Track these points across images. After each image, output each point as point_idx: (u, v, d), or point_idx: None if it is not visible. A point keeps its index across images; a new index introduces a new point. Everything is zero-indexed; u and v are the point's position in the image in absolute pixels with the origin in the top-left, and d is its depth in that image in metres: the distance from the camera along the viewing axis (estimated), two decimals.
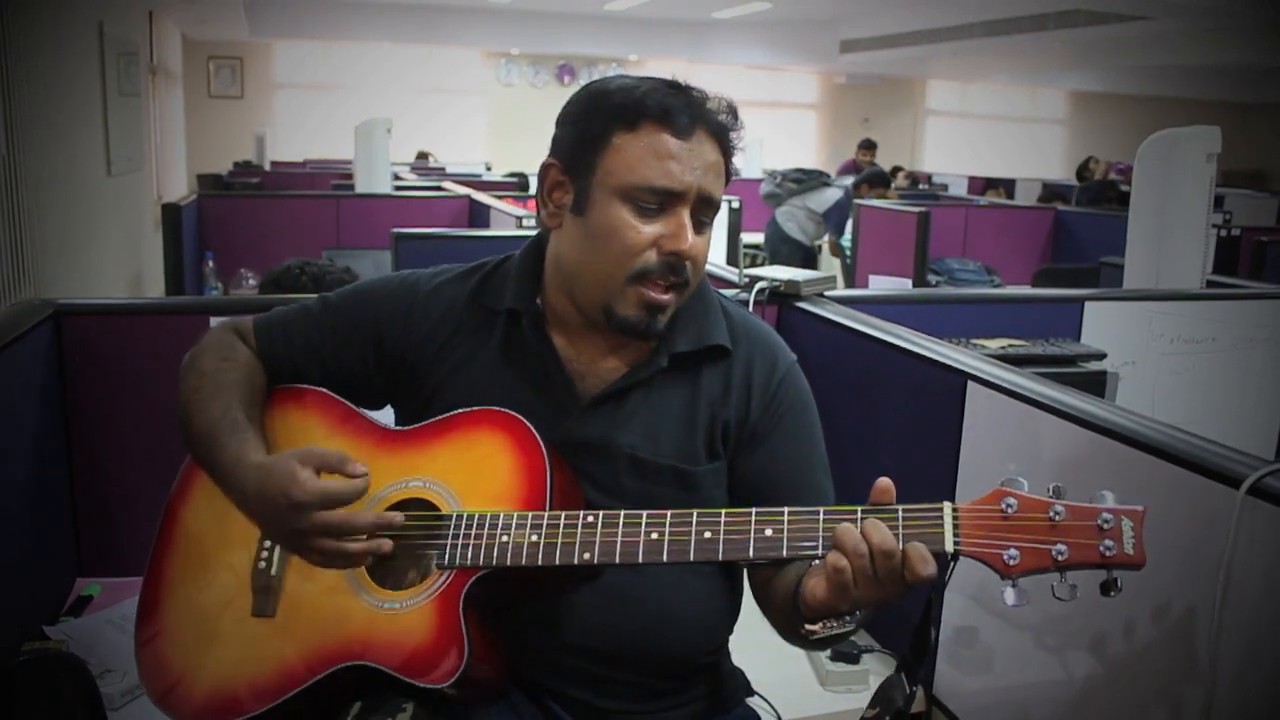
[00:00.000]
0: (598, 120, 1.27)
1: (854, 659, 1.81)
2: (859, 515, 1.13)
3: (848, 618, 1.20)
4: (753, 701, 1.52)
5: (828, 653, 1.81)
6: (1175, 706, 1.27)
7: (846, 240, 6.52)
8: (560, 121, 1.33)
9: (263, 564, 1.28)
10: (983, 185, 10.84)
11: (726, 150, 1.30)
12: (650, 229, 1.25)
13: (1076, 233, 6.33)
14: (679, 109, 1.26)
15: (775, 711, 1.63)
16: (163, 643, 1.29)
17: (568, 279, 1.33)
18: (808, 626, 1.23)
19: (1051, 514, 1.09)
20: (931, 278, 5.67)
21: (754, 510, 1.17)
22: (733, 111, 1.32)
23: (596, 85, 1.32)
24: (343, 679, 1.20)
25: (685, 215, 1.26)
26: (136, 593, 1.35)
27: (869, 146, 9.82)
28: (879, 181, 7.41)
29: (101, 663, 1.66)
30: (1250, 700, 1.19)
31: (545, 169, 1.33)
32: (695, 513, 1.17)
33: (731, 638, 1.48)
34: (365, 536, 1.21)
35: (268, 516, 1.23)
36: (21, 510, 1.75)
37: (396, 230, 3.47)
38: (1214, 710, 1.22)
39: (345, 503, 1.20)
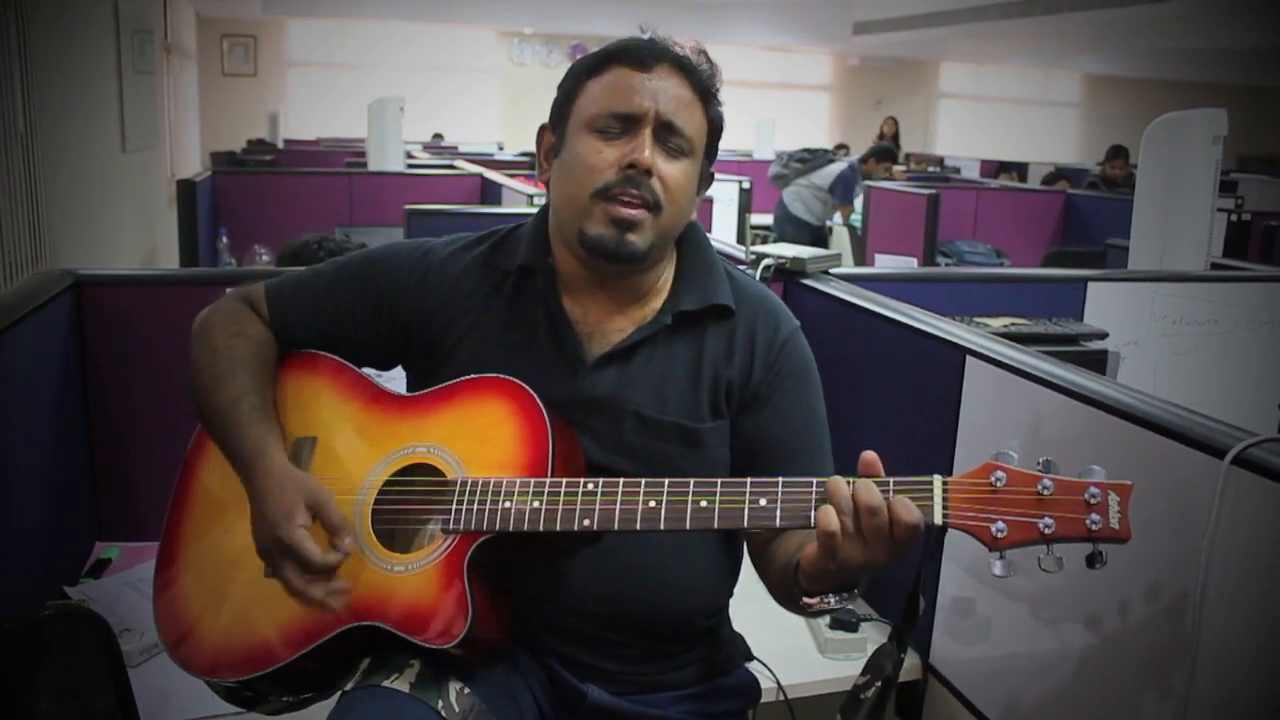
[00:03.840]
0: (573, 76, 1.39)
1: (853, 627, 1.85)
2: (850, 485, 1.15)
3: (845, 594, 1.24)
4: (752, 666, 1.56)
5: (827, 620, 1.85)
6: (1162, 673, 1.31)
7: (856, 220, 6.54)
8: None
9: None
10: (995, 169, 10.79)
11: (698, 87, 1.36)
12: (612, 150, 1.31)
13: (1087, 216, 6.32)
14: (639, 47, 1.35)
15: (774, 676, 1.67)
16: (179, 600, 1.33)
17: (555, 218, 1.39)
18: (805, 600, 1.26)
19: (1040, 488, 1.10)
20: (941, 260, 5.68)
21: (749, 480, 1.19)
22: (703, 54, 1.39)
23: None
24: (352, 638, 1.23)
25: (645, 135, 1.31)
26: (154, 556, 1.38)
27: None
28: (886, 156, 7.41)
29: (120, 622, 1.69)
30: (1232, 665, 1.22)
31: (540, 133, 1.43)
32: (692, 481, 1.20)
33: (733, 605, 1.51)
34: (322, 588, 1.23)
35: (259, 521, 1.26)
36: (42, 474, 1.80)
37: (409, 206, 3.51)
38: (1197, 675, 1.25)
39: (313, 572, 1.22)
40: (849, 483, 1.15)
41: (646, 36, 1.37)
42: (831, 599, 1.25)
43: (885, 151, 7.51)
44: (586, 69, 1.37)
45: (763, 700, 1.57)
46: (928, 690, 1.82)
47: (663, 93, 1.32)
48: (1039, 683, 1.57)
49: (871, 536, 1.12)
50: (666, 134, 1.32)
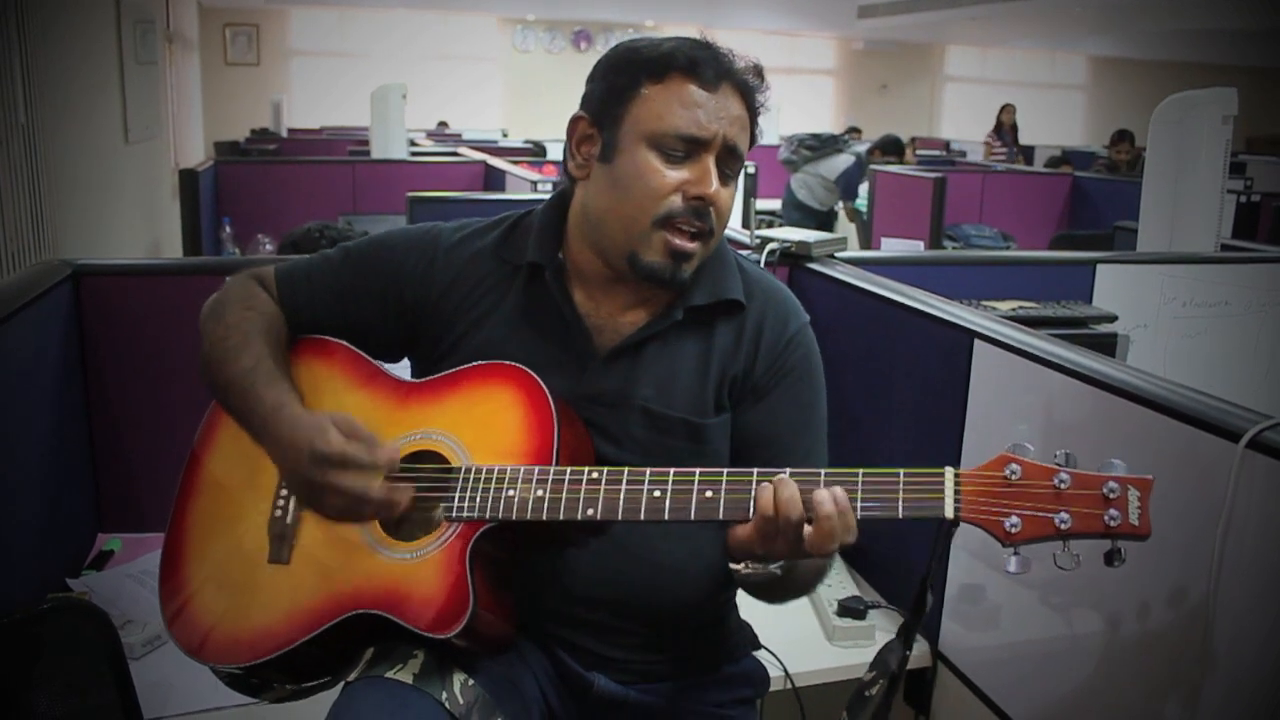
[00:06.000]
0: (626, 73, 1.31)
1: (860, 615, 1.83)
2: (859, 478, 1.13)
3: (772, 566, 1.22)
4: (760, 655, 1.55)
5: (834, 608, 1.84)
6: (1174, 657, 1.29)
7: (862, 204, 6.50)
8: (590, 78, 1.36)
9: (279, 512, 1.30)
10: None
11: (751, 108, 1.33)
12: (676, 174, 1.28)
13: (1094, 199, 6.28)
14: (705, 62, 1.29)
15: (782, 664, 1.66)
16: (184, 585, 1.32)
17: (594, 227, 1.34)
18: (732, 565, 1.25)
19: (1056, 481, 1.07)
20: (948, 244, 5.65)
21: (755, 470, 1.17)
22: (758, 72, 1.34)
23: (626, 43, 1.35)
24: (355, 626, 1.22)
25: (710, 162, 1.28)
26: (156, 548, 1.37)
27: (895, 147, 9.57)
28: (892, 149, 7.36)
29: (123, 614, 1.70)
30: (1245, 649, 1.21)
31: (574, 122, 1.36)
32: (697, 472, 1.18)
33: (739, 593, 1.50)
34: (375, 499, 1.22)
35: (291, 465, 1.24)
36: (44, 467, 1.79)
37: (411, 194, 3.49)
38: (1210, 659, 1.24)
39: (361, 469, 1.21)
40: (859, 480, 1.13)
41: (705, 42, 1.32)
42: (758, 566, 1.23)
43: (892, 144, 7.48)
44: (645, 69, 1.30)
45: (771, 689, 1.56)
46: (936, 677, 1.81)
47: (727, 115, 1.29)
48: (1048, 669, 1.55)
49: (797, 542, 1.12)
50: (727, 158, 1.30)
